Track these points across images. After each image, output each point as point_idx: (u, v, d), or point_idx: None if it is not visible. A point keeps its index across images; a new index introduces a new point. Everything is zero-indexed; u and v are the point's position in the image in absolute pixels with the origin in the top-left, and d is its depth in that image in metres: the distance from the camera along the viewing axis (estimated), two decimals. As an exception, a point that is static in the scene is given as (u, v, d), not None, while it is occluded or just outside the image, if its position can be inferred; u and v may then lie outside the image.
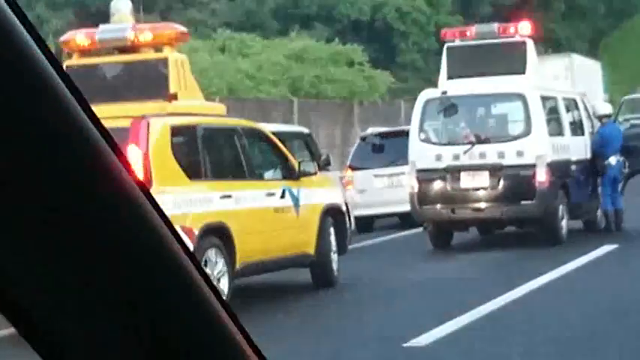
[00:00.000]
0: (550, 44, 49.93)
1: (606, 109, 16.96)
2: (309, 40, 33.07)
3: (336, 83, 30.34)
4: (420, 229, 16.16)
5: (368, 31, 42.69)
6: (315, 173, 11.94)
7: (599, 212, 16.86)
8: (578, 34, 55.96)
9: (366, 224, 19.53)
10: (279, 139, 12.27)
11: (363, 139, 20.53)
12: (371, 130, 21.13)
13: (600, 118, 16.73)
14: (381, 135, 20.32)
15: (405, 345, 8.22)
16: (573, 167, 15.77)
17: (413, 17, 43.93)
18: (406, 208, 15.85)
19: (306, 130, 17.87)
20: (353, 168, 19.77)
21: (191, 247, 9.60)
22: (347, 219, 12.89)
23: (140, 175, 9.35)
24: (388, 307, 10.58)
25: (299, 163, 11.74)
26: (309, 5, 42.04)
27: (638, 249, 14.55)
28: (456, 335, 8.68)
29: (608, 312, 9.64)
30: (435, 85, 15.90)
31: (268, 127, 13.40)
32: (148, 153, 9.55)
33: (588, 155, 16.44)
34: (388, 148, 19.60)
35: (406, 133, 16.17)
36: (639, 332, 8.61)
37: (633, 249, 14.51)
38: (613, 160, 16.37)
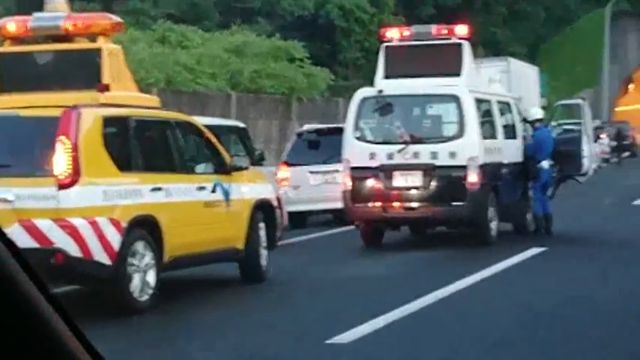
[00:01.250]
0: (491, 47, 50.37)
1: (538, 114, 17.18)
2: (250, 34, 33.02)
3: (275, 79, 30.33)
4: (353, 227, 16.24)
5: (311, 27, 42.75)
6: (247, 168, 11.95)
7: (528, 215, 17.09)
8: (519, 39, 56.51)
9: (300, 220, 19.59)
10: (214, 133, 12.25)
11: (300, 135, 20.59)
12: (307, 127, 21.20)
13: (533, 123, 16.95)
14: (317, 132, 20.39)
15: (327, 342, 8.27)
16: (505, 170, 15.96)
17: (356, 16, 44.05)
18: (340, 205, 15.92)
19: (241, 125, 17.87)
20: (288, 164, 19.82)
21: (119, 239, 9.57)
22: (278, 214, 12.93)
23: (69, 166, 9.33)
24: (315, 303, 10.63)
25: (231, 157, 11.75)
26: (252, 0, 41.98)
27: (564, 252, 14.79)
28: (380, 333, 8.75)
29: (532, 313, 9.79)
30: (376, 84, 16.00)
31: (203, 121, 13.39)
32: (77, 143, 9.48)
33: (520, 159, 16.65)
34: (324, 145, 19.68)
35: (342, 131, 16.23)
36: (561, 334, 8.74)
37: (560, 252, 14.73)
38: (545, 164, 16.60)
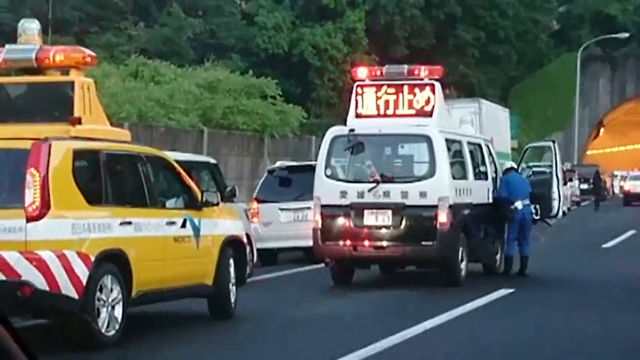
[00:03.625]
0: (463, 89, 50.72)
1: (507, 165, 17.44)
2: (224, 70, 33.11)
3: (247, 115, 30.40)
4: (323, 265, 16.22)
5: (284, 65, 42.93)
6: (218, 204, 11.93)
7: (498, 256, 17.15)
8: (491, 81, 56.94)
9: (270, 257, 19.56)
10: (186, 169, 12.24)
11: (271, 172, 20.60)
12: (279, 164, 21.23)
13: (504, 172, 17.06)
14: (289, 169, 20.42)
15: (294, 379, 8.24)
16: (475, 211, 16.01)
17: (329, 54, 44.31)
18: (310, 242, 15.90)
19: (212, 160, 17.86)
20: (259, 200, 19.82)
21: (87, 272, 9.51)
22: (247, 251, 12.90)
23: (39, 198, 9.28)
24: (281, 341, 10.58)
25: (202, 193, 11.73)
26: (226, 36, 42.14)
27: (533, 294, 14.82)
28: (347, 372, 8.72)
29: (499, 355, 9.79)
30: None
31: (174, 156, 13.37)
32: (47, 176, 9.44)
33: (490, 199, 16.72)
34: (295, 183, 19.71)
35: (314, 168, 16.26)
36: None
37: (529, 294, 14.76)
38: (519, 204, 16.65)
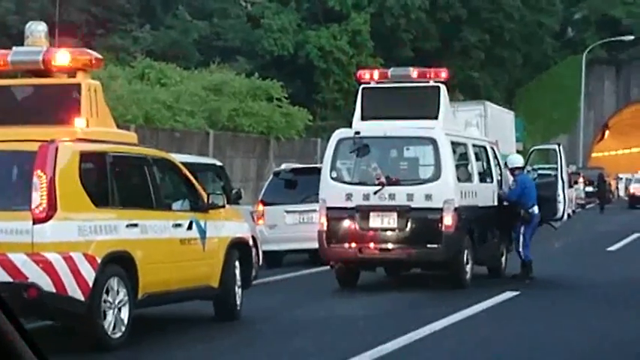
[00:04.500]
0: (468, 91, 50.72)
1: (519, 162, 17.09)
2: (229, 72, 33.16)
3: (253, 117, 30.44)
4: (329, 267, 16.24)
5: (290, 67, 42.96)
6: (224, 206, 11.96)
7: (503, 259, 17.15)
8: (496, 83, 56.93)
9: (276, 259, 19.58)
10: (192, 171, 12.27)
11: (277, 174, 20.63)
12: (284, 166, 21.24)
13: (512, 170, 16.88)
14: (295, 171, 20.44)
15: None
16: (480, 213, 16.01)
17: (335, 57, 44.35)
18: (316, 245, 15.91)
19: (218, 163, 17.89)
20: (265, 203, 19.84)
21: (93, 274, 9.54)
22: (253, 253, 12.92)
23: (45, 200, 9.31)
24: (287, 343, 10.60)
25: (208, 195, 11.76)
26: (232, 39, 42.18)
27: (538, 296, 14.82)
28: (352, 374, 8.74)
29: (500, 357, 9.80)
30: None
31: (180, 158, 13.40)
32: (54, 178, 9.47)
33: (495, 202, 16.72)
34: (301, 185, 19.73)
35: (319, 171, 16.28)
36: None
37: (533, 296, 14.77)
38: (536, 209, 16.59)
